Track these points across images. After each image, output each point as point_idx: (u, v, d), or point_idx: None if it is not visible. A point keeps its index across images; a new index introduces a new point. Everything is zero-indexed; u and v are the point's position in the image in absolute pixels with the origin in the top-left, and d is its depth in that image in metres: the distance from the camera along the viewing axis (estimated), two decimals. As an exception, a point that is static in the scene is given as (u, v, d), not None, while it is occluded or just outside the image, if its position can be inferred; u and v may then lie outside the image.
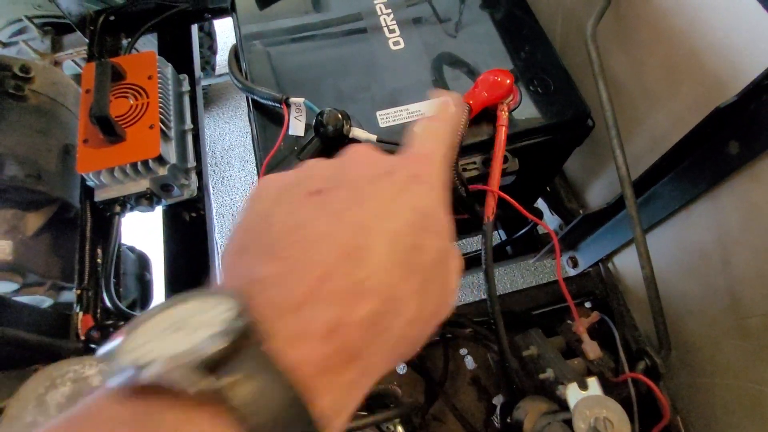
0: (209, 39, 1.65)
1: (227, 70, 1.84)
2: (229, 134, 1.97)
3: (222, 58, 1.95)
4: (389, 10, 0.67)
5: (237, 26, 0.69)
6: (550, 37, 0.68)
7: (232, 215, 1.82)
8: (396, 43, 0.65)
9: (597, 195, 0.83)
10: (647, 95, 0.62)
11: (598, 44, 0.59)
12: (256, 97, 0.60)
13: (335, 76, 0.62)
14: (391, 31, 0.65)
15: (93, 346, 0.78)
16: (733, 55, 0.48)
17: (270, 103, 0.59)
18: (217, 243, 1.15)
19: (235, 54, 0.68)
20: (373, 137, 0.55)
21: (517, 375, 0.55)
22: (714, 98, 0.50)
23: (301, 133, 0.58)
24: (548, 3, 0.78)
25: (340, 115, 0.54)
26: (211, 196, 1.43)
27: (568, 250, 0.89)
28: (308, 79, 0.62)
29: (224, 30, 1.92)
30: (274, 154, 0.57)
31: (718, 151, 0.51)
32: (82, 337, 0.82)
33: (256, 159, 0.59)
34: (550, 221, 0.96)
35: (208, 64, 1.74)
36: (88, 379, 0.45)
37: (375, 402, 0.48)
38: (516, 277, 1.62)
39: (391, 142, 0.55)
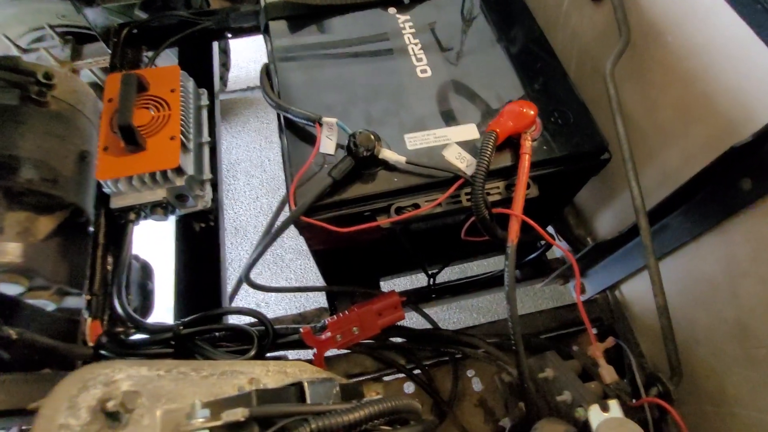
0: (224, 56, 1.69)
1: (238, 87, 1.88)
2: (236, 148, 2.00)
3: (234, 74, 1.99)
4: (417, 40, 0.71)
5: (270, 47, 0.72)
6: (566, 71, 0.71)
7: (235, 229, 1.83)
8: (423, 71, 0.68)
9: (606, 223, 0.86)
10: (660, 132, 0.65)
11: (616, 82, 0.62)
12: (289, 116, 0.62)
13: (365, 100, 0.64)
14: (419, 60, 0.69)
15: (103, 352, 0.77)
16: (745, 99, 0.51)
17: (302, 121, 0.61)
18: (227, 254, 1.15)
19: (267, 73, 0.71)
20: (402, 159, 0.58)
21: (535, 397, 0.56)
22: (726, 138, 0.54)
23: (332, 152, 0.60)
24: (564, 38, 0.82)
25: (372, 137, 0.56)
26: (224, 209, 1.44)
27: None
28: (339, 101, 0.65)
29: (237, 48, 1.97)
30: (305, 170, 0.59)
31: (730, 187, 0.53)
32: (91, 343, 0.81)
33: (285, 174, 0.61)
34: (555, 249, 0.99)
35: (221, 80, 1.77)
36: (117, 383, 0.45)
37: (396, 419, 0.49)
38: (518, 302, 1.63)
39: (419, 164, 0.58)
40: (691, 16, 0.56)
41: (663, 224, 0.65)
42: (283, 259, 1.77)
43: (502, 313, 1.58)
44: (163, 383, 0.47)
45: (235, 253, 1.79)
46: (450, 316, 1.65)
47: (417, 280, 1.54)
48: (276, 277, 1.74)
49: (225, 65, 1.75)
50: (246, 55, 2.11)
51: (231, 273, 1.72)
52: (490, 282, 0.96)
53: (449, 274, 1.47)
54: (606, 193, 0.81)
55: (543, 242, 0.89)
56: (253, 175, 1.94)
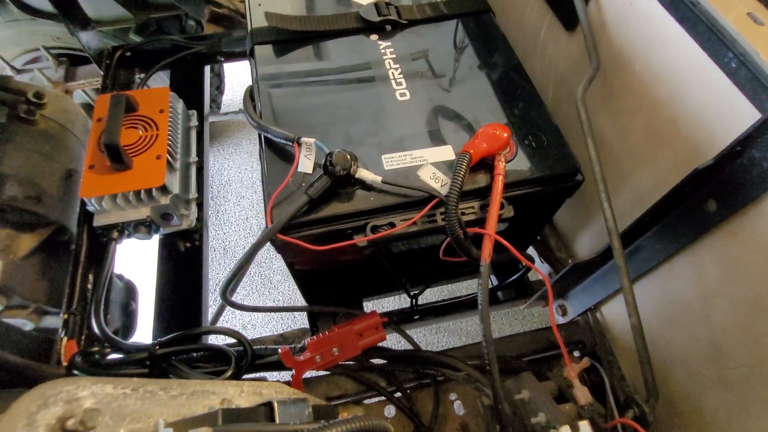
0: (218, 79, 1.72)
1: (231, 110, 1.91)
2: (227, 170, 2.01)
3: (227, 98, 2.02)
4: (397, 66, 0.73)
5: (254, 70, 0.74)
6: (543, 97, 0.74)
7: (224, 249, 1.82)
8: (402, 94, 0.70)
9: (585, 245, 0.87)
10: (631, 155, 0.67)
11: (587, 107, 0.64)
12: (269, 135, 0.63)
13: (345, 121, 0.66)
14: (399, 84, 0.71)
15: (76, 372, 0.76)
16: (708, 123, 0.53)
17: (282, 141, 0.62)
18: (209, 275, 1.15)
19: (251, 94, 0.73)
20: (378, 178, 0.59)
21: (510, 418, 0.56)
22: (692, 161, 0.55)
23: (310, 171, 0.61)
24: (541, 66, 0.85)
25: (348, 156, 0.58)
26: (210, 233, 1.44)
27: (557, 299, 0.91)
28: (319, 122, 0.66)
29: (231, 72, 2.01)
30: (282, 189, 0.59)
31: (697, 209, 0.55)
32: (65, 363, 0.80)
33: (264, 193, 0.61)
34: (540, 269, 0.99)
35: (215, 102, 1.80)
36: (79, 401, 0.44)
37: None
38: (504, 324, 1.62)
39: (395, 184, 0.59)
40: (656, 45, 0.58)
41: (636, 246, 0.66)
42: (271, 281, 1.76)
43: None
44: (129, 402, 0.46)
45: (223, 274, 1.78)
46: (438, 339, 1.63)
47: (401, 300, 1.53)
48: (263, 299, 1.72)
49: (219, 88, 1.78)
50: (240, 79, 2.15)
51: (218, 294, 1.70)
52: (473, 303, 0.95)
53: (437, 294, 1.47)
54: (584, 216, 0.82)
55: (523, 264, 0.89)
56: (243, 196, 1.95)
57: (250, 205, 1.92)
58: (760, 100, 0.45)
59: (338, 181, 0.58)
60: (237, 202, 1.92)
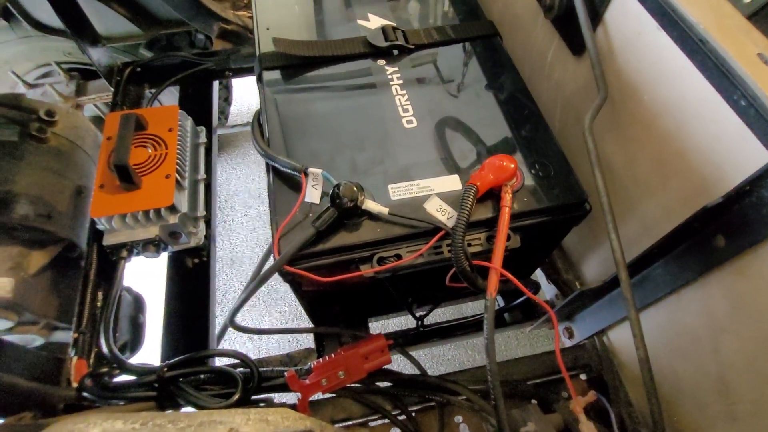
0: (226, 91, 1.74)
1: (239, 119, 1.92)
2: (235, 180, 2.02)
3: (235, 107, 2.04)
4: (404, 92, 0.73)
5: (263, 95, 0.74)
6: (550, 121, 0.73)
7: (231, 259, 1.83)
8: (409, 121, 0.70)
9: (593, 268, 0.86)
10: (639, 184, 0.66)
11: (595, 136, 0.64)
12: (276, 165, 0.64)
13: (352, 149, 0.66)
14: (405, 111, 0.71)
15: (85, 394, 0.76)
16: (717, 159, 0.53)
17: (289, 171, 0.63)
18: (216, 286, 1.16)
19: (258, 120, 0.73)
20: (385, 210, 0.59)
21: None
22: (700, 195, 0.55)
23: (317, 201, 0.62)
24: (549, 88, 0.85)
25: (355, 188, 0.58)
26: (217, 244, 1.45)
27: (564, 320, 0.91)
28: (326, 150, 0.67)
29: (239, 81, 2.02)
30: (290, 220, 0.60)
31: (706, 244, 0.54)
32: (74, 383, 0.81)
33: (271, 222, 0.62)
34: (547, 290, 0.99)
35: (223, 114, 1.82)
36: (91, 438, 0.45)
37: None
38: (511, 340, 1.62)
39: (402, 216, 0.59)
40: (664, 77, 0.58)
41: (644, 275, 0.65)
42: (278, 291, 1.77)
43: (498, 355, 1.56)
44: (138, 437, 0.47)
45: (230, 285, 1.79)
46: (444, 352, 1.63)
47: (407, 319, 1.53)
48: (270, 309, 1.73)
49: (227, 100, 1.80)
50: (248, 88, 2.16)
51: (225, 305, 1.72)
52: (479, 324, 0.95)
53: (443, 313, 1.47)
54: (591, 240, 0.82)
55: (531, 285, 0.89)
56: (250, 206, 1.96)
57: (257, 216, 1.93)
58: (769, 141, 0.45)
59: (345, 213, 0.58)
60: (244, 212, 1.94)
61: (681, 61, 0.55)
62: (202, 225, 1.04)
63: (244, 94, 2.13)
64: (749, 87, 0.45)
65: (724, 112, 0.50)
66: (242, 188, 2.00)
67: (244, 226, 1.91)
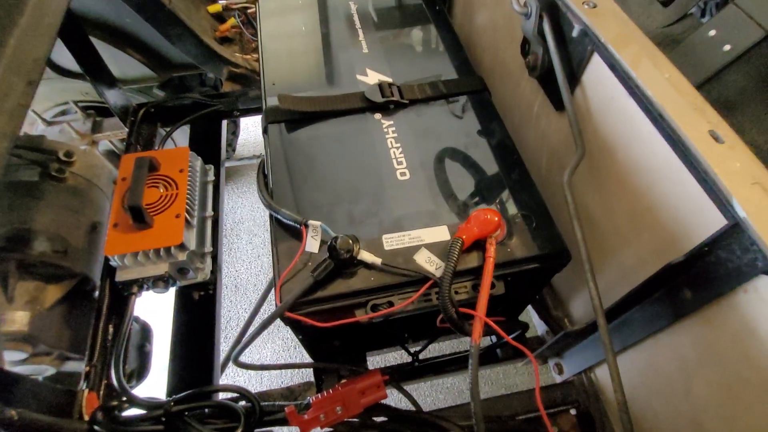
0: (233, 125, 1.81)
1: (245, 151, 2.00)
2: (240, 208, 2.09)
3: (242, 138, 2.12)
4: (398, 144, 0.79)
5: (267, 147, 0.81)
6: (537, 168, 0.79)
7: (236, 286, 1.88)
8: (402, 173, 0.76)
9: (579, 307, 0.90)
10: (618, 234, 0.71)
11: (576, 188, 0.69)
12: (279, 217, 0.69)
13: (349, 201, 0.72)
14: (399, 163, 0.77)
15: (96, 428, 0.81)
16: (682, 218, 0.58)
17: (291, 223, 0.68)
18: (221, 320, 1.20)
19: (263, 170, 0.79)
20: (378, 260, 0.64)
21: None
22: (669, 250, 0.60)
23: (316, 250, 0.67)
24: (536, 137, 0.91)
25: (350, 240, 0.63)
26: (223, 275, 1.50)
27: (554, 357, 0.95)
28: (325, 201, 0.72)
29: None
30: (291, 268, 0.65)
31: (674, 295, 0.59)
32: (86, 417, 0.85)
33: (274, 271, 0.67)
34: (538, 324, 1.03)
35: (230, 146, 1.89)
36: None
37: None
38: (510, 369, 1.64)
39: (394, 266, 0.64)
40: (635, 140, 0.64)
41: (624, 319, 0.70)
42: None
43: (488, 389, 1.59)
44: (149, 477, 0.51)
45: (234, 311, 1.83)
46: (443, 381, 1.65)
47: (404, 353, 1.57)
48: (272, 336, 1.77)
49: (234, 133, 1.88)
50: (255, 121, 2.25)
51: (229, 331, 1.76)
52: (473, 358, 0.99)
53: (440, 346, 1.50)
54: (577, 282, 0.86)
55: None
56: (255, 234, 2.02)
57: (262, 243, 1.98)
58: (723, 209, 0.49)
59: (342, 263, 0.63)
60: (249, 240, 1.99)
61: (648, 127, 0.60)
62: (208, 260, 1.10)
63: (251, 127, 2.21)
64: (701, 164, 0.50)
65: (686, 177, 0.55)
66: (247, 216, 2.07)
67: (249, 253, 1.96)
